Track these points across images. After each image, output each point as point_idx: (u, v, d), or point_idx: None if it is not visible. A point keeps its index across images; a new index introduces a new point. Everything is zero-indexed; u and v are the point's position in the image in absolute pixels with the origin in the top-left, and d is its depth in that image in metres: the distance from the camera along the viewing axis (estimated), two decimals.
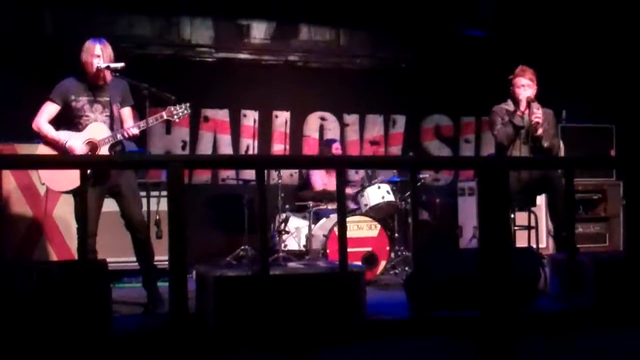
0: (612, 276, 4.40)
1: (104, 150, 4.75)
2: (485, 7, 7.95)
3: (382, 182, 6.92)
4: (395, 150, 8.57)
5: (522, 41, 8.18)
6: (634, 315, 3.91)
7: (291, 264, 5.19)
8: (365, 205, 6.72)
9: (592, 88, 8.50)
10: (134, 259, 5.03)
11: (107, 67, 4.76)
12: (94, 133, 4.79)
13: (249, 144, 7.86)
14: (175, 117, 4.95)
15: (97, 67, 4.75)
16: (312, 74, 8.19)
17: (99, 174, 4.72)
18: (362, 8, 7.80)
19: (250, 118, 7.93)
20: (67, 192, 4.85)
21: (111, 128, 4.84)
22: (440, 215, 8.09)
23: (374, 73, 8.37)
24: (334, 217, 6.49)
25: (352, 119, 8.44)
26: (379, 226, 6.47)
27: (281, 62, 8.12)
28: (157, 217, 4.97)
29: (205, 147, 7.85)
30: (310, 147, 8.20)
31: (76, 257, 5.17)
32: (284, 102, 8.09)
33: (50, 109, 4.83)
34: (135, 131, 4.78)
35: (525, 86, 5.54)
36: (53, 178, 4.78)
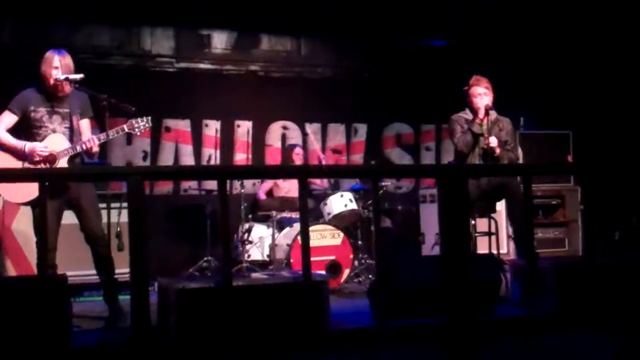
0: (572, 280, 4.47)
1: (63, 162, 4.70)
2: (454, 17, 8.04)
3: (344, 190, 6.96)
4: (357, 158, 8.61)
5: (480, 50, 8.31)
6: (595, 319, 3.98)
7: (254, 275, 5.17)
8: (329, 213, 6.74)
9: (549, 95, 8.66)
10: (95, 272, 4.96)
11: (67, 79, 4.71)
12: (53, 144, 4.74)
13: (211, 154, 7.82)
14: (137, 130, 4.95)
15: (56, 78, 4.70)
16: (273, 84, 8.20)
17: (58, 186, 4.66)
18: (323, 18, 7.83)
19: (212, 128, 7.89)
20: (25, 204, 4.78)
21: (70, 140, 4.79)
22: (403, 223, 8.15)
23: (335, 82, 8.41)
24: (297, 226, 6.50)
25: (313, 127, 8.46)
26: (342, 235, 6.49)
27: (242, 72, 8.11)
28: (118, 229, 4.90)
29: (166, 158, 7.79)
30: (273, 156, 8.20)
31: (35, 271, 5.08)
32: (246, 112, 8.07)
33: (7, 119, 4.77)
34: (94, 143, 4.73)
35: (482, 94, 5.64)
36: (10, 190, 4.71)
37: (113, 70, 7.47)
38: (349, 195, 6.82)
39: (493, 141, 5.56)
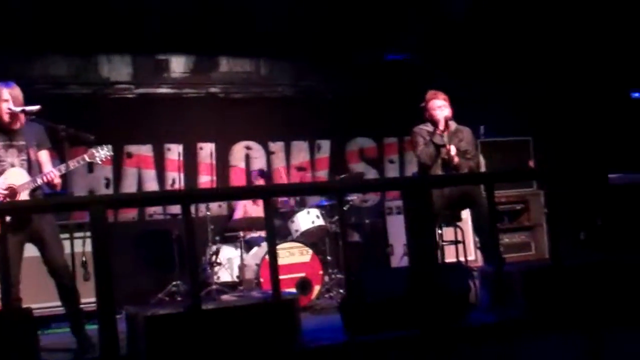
0: (540, 284, 4.52)
1: (24, 196, 4.62)
2: (411, 32, 8.12)
3: (310, 207, 6.96)
4: (322, 174, 8.62)
5: (439, 60, 8.41)
6: (564, 322, 4.03)
7: (224, 297, 5.15)
8: (296, 231, 6.73)
9: (508, 103, 8.78)
10: (61, 303, 4.87)
11: (23, 111, 4.64)
12: (12, 179, 4.65)
13: (175, 178, 7.76)
14: (97, 159, 4.91)
15: (11, 111, 4.62)
16: (234, 105, 8.20)
17: (19, 219, 4.56)
18: (281, 38, 7.86)
19: (174, 152, 7.83)
20: None
21: (29, 172, 4.71)
22: (371, 235, 8.17)
23: (296, 100, 8.44)
24: (265, 246, 6.47)
25: (277, 146, 8.46)
26: (310, 251, 6.48)
27: (202, 95, 8.10)
28: (83, 259, 4.87)
29: (130, 184, 7.72)
30: (238, 177, 8.18)
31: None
32: (208, 134, 8.04)
33: None
34: (55, 175, 4.66)
35: (442, 107, 5.74)
36: None
37: (71, 100, 7.40)
38: (315, 211, 6.83)
39: (452, 150, 5.64)
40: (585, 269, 4.54)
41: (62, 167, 4.70)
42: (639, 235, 6.29)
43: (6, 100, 4.63)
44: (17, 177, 4.66)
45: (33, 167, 4.75)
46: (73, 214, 6.47)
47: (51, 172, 4.67)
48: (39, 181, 4.66)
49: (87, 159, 4.87)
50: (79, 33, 7.17)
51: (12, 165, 4.68)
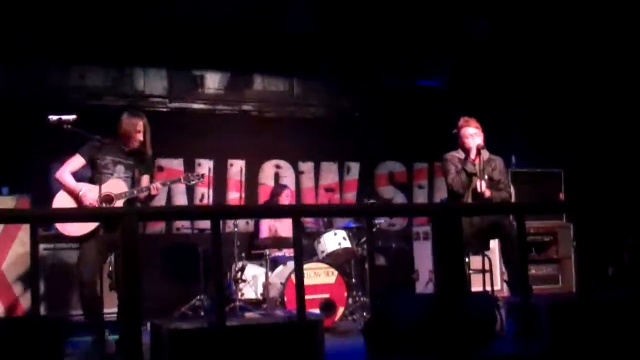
0: (566, 318, 4.45)
1: (119, 204, 5.10)
2: (443, 59, 8.14)
3: (338, 228, 6.96)
4: (350, 196, 8.62)
5: (471, 89, 8.39)
6: (588, 357, 3.96)
7: (248, 314, 5.14)
8: (322, 252, 6.72)
9: (540, 134, 8.73)
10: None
11: (59, 120, 4.76)
12: (111, 187, 5.18)
13: (204, 193, 7.81)
14: (191, 181, 5.64)
15: (51, 119, 4.82)
16: (266, 123, 8.25)
17: (106, 226, 4.89)
18: (315, 58, 7.92)
19: (204, 167, 7.89)
20: (77, 238, 5.07)
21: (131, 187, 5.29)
22: (396, 260, 8.13)
23: (327, 121, 8.47)
24: (290, 265, 6.47)
25: (307, 166, 8.48)
26: (336, 273, 6.46)
27: (235, 112, 8.17)
28: (111, 269, 4.90)
29: (159, 197, 7.74)
30: (266, 195, 8.20)
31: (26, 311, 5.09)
32: (239, 151, 8.09)
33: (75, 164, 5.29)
34: (158, 187, 5.27)
35: (474, 135, 5.69)
36: (65, 224, 5.05)
37: (106, 111, 7.48)
38: (342, 233, 6.82)
39: (482, 185, 5.57)
40: (613, 304, 4.47)
41: (158, 184, 5.34)
42: None
43: (139, 132, 5.29)
44: (116, 187, 5.19)
45: (135, 185, 5.33)
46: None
47: (155, 185, 5.29)
48: (136, 192, 5.21)
49: (182, 181, 5.61)
50: (116, 45, 7.29)
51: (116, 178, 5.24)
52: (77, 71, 7.49)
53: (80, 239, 5.07)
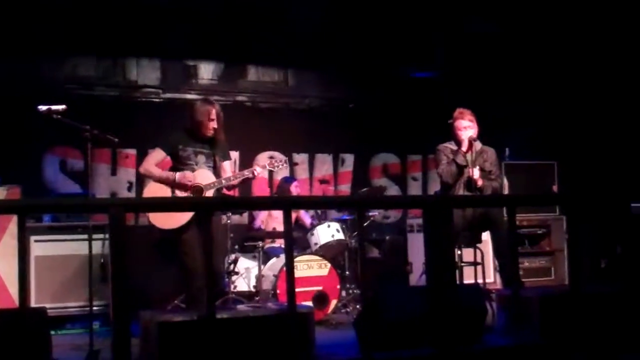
0: (557, 310, 4.46)
1: (209, 194, 5.21)
2: (438, 51, 8.11)
3: (331, 220, 6.94)
4: (345, 188, 8.60)
5: (466, 82, 8.37)
6: (578, 348, 3.96)
7: (240, 307, 5.12)
8: (315, 244, 6.70)
9: (535, 126, 8.71)
10: (78, 304, 4.91)
11: (48, 110, 4.72)
12: (200, 178, 5.27)
13: None
14: (276, 168, 5.79)
15: (40, 109, 4.73)
16: (260, 114, 8.21)
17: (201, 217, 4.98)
18: (310, 49, 7.88)
19: None
20: (174, 230, 5.18)
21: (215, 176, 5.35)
22: (391, 252, 8.11)
23: (322, 113, 8.44)
24: (283, 257, 6.45)
25: (301, 158, 8.46)
26: (329, 265, 6.44)
27: (229, 102, 8.12)
28: (102, 261, 4.88)
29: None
30: (260, 187, 8.17)
31: (17, 301, 5.06)
32: (233, 142, 7.97)
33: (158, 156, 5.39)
34: (258, 172, 5.45)
35: (467, 127, 5.73)
36: (158, 217, 5.17)
37: (98, 101, 7.47)
38: (336, 225, 6.80)
39: (475, 173, 5.61)
40: (604, 297, 4.47)
41: (246, 172, 5.45)
42: None
43: (212, 120, 5.31)
44: (204, 177, 5.30)
45: (217, 173, 5.40)
46: (93, 215, 6.51)
47: (253, 169, 5.46)
48: (225, 182, 5.33)
49: (268, 167, 5.69)
50: (108, 35, 7.26)
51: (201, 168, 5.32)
52: (69, 61, 7.44)
53: (178, 231, 5.14)
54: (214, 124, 5.34)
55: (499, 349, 4.30)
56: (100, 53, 7.53)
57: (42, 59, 7.29)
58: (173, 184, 5.23)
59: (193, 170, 5.31)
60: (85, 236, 5.02)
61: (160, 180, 5.28)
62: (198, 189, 5.24)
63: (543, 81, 8.60)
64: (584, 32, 7.71)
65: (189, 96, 7.96)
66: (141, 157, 7.51)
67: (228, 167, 5.57)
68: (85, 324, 4.96)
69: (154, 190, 5.28)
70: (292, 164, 8.36)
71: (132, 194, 7.52)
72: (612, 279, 7.56)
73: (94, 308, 4.76)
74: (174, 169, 5.37)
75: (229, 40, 7.62)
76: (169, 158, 5.45)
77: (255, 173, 5.44)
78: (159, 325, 3.79)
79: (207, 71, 8.07)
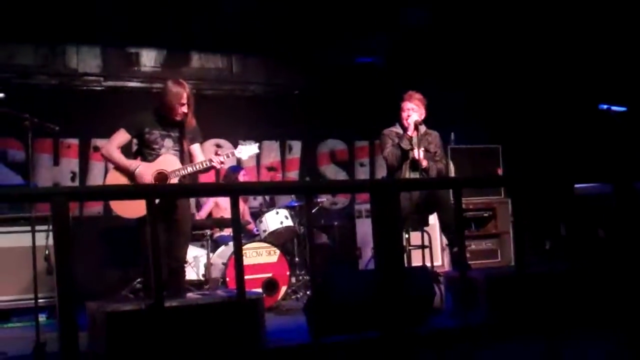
0: (504, 290, 4.55)
1: (173, 181, 5.06)
2: (380, 36, 8.14)
3: (280, 207, 6.93)
4: (293, 175, 8.60)
5: (411, 67, 8.43)
6: (525, 327, 4.05)
7: (189, 295, 5.08)
8: (264, 231, 6.69)
9: (479, 111, 8.85)
10: (24, 296, 4.82)
11: None
12: (164, 164, 5.10)
13: None
14: (244, 154, 5.53)
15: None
16: (205, 102, 8.06)
17: (166, 205, 4.95)
18: (254, 35, 7.82)
19: None
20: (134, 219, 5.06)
21: (181, 161, 5.16)
22: (340, 238, 8.15)
23: (268, 100, 8.40)
24: (232, 245, 6.42)
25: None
26: (278, 252, 6.43)
27: None
28: (47, 252, 4.78)
29: (96, 178, 7.60)
30: (206, 174, 8.09)
31: None
32: None
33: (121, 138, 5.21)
34: (221, 162, 5.19)
35: (411, 110, 5.78)
36: (120, 205, 5.05)
37: (37, 90, 7.28)
38: (284, 212, 6.79)
39: (420, 154, 5.69)
40: (548, 276, 4.57)
41: (221, 158, 5.19)
42: (602, 245, 6.36)
43: (183, 105, 5.09)
44: (169, 163, 5.09)
45: (184, 158, 5.18)
46: (36, 206, 6.35)
47: (218, 159, 5.17)
48: (190, 169, 5.12)
49: (235, 154, 5.45)
50: (47, 21, 7.05)
51: (166, 153, 5.13)
52: (5, 48, 7.22)
53: (141, 220, 4.96)
54: (184, 109, 5.14)
55: (446, 330, 4.38)
56: (38, 40, 7.33)
57: None
58: (131, 177, 5.07)
59: (158, 155, 5.13)
60: (29, 228, 4.89)
61: (119, 169, 5.11)
62: (163, 176, 5.08)
63: (486, 66, 8.72)
64: (528, 15, 7.83)
65: (131, 84, 7.84)
66: (84, 146, 7.39)
67: (198, 150, 5.38)
68: (32, 317, 4.85)
69: (115, 178, 5.10)
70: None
71: (76, 184, 7.36)
72: (556, 259, 7.74)
73: (40, 301, 4.66)
74: (139, 152, 5.21)
75: (170, 26, 7.50)
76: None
77: (217, 166, 5.28)
78: (107, 315, 3.73)
79: (149, 58, 7.94)
